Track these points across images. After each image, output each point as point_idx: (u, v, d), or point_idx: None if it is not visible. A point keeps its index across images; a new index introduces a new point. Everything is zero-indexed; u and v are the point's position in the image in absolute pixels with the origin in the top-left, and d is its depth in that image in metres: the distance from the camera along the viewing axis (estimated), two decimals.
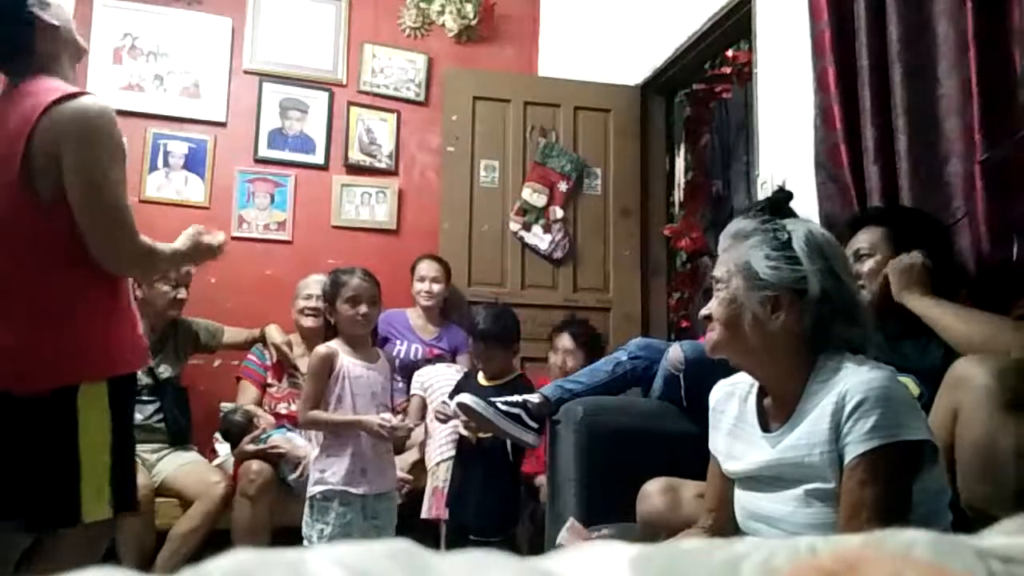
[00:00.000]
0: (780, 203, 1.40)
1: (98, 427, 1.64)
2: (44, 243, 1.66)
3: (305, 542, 2.23)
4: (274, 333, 3.16)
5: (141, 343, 1.81)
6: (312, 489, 2.26)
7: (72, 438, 1.60)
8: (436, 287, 3.41)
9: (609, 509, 1.89)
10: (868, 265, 1.76)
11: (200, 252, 1.91)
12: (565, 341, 2.99)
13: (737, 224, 1.33)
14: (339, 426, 2.26)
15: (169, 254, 1.83)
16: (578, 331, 3.00)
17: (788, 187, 1.93)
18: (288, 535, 2.75)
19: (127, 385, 1.75)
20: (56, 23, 1.76)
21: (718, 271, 1.32)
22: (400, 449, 3.05)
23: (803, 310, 1.25)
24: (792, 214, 1.43)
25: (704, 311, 1.34)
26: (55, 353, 1.64)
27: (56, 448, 1.61)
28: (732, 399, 1.41)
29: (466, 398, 2.29)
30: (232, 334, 3.23)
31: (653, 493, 1.76)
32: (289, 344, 3.15)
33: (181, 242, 1.88)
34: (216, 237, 1.94)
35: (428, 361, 3.25)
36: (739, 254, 1.29)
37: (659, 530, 1.71)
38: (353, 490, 2.23)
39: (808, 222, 1.35)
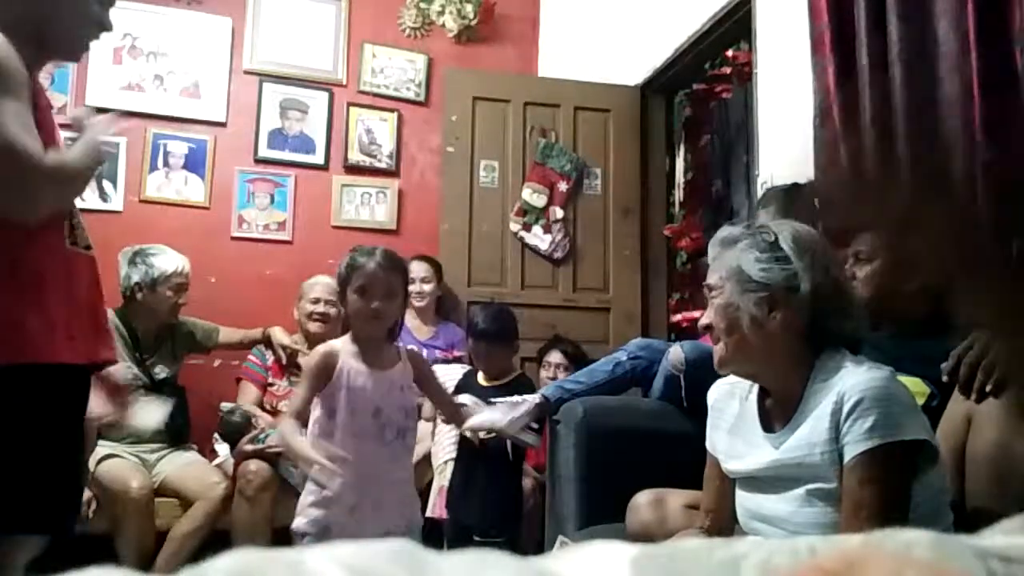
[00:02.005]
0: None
1: None
2: None
3: None
4: (280, 335, 3.15)
5: (62, 330, 1.41)
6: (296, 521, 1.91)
7: None
8: (426, 287, 3.42)
9: (609, 509, 1.89)
10: (865, 270, 1.73)
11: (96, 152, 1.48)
12: (555, 356, 3.14)
13: (723, 231, 1.36)
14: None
15: (74, 164, 1.41)
16: (567, 348, 3.15)
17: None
18: (289, 535, 2.75)
19: (22, 377, 1.36)
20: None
21: (711, 279, 1.34)
22: None
23: (798, 307, 1.26)
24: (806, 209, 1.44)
25: (703, 320, 1.36)
26: None
27: None
28: (732, 398, 1.42)
29: (466, 400, 2.29)
30: (228, 334, 3.23)
31: (642, 506, 1.76)
32: (296, 343, 3.14)
33: (80, 150, 1.44)
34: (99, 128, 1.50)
35: (435, 362, 3.25)
36: (729, 259, 1.31)
37: (647, 542, 1.71)
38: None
39: (791, 222, 1.36)
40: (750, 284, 1.27)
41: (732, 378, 1.44)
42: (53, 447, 1.43)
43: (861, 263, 1.75)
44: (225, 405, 3.11)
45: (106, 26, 1.54)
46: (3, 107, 1.30)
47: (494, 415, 2.23)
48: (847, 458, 1.17)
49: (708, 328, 1.34)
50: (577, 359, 3.07)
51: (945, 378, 1.37)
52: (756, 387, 1.39)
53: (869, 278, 1.73)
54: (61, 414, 1.46)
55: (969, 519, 1.31)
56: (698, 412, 1.92)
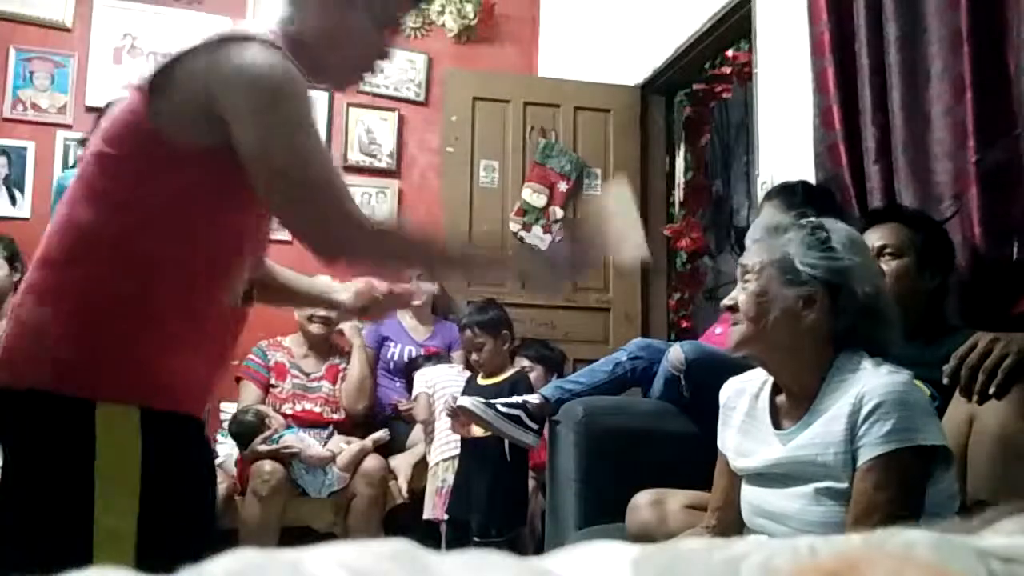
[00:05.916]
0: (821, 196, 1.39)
1: (121, 461, 1.13)
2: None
3: None
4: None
5: (201, 385, 1.30)
6: None
7: (86, 472, 1.10)
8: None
9: (609, 509, 1.89)
10: (895, 265, 1.68)
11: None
12: (522, 362, 3.09)
13: (773, 218, 1.33)
14: None
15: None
16: (531, 352, 3.09)
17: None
18: (295, 535, 2.77)
19: (177, 427, 1.22)
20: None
21: (749, 260, 1.30)
22: (401, 448, 3.06)
23: (838, 308, 1.25)
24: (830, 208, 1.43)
25: (727, 300, 1.33)
26: (73, 347, 1.15)
27: (65, 478, 1.13)
28: (743, 396, 1.41)
29: (465, 401, 2.30)
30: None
31: (641, 506, 1.75)
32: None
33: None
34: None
35: (427, 359, 3.23)
36: (775, 247, 1.28)
37: (647, 543, 1.71)
38: None
39: (839, 222, 1.35)
40: (793, 276, 1.25)
41: (744, 376, 1.43)
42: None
43: (886, 257, 1.68)
44: (226, 405, 3.11)
45: (385, 55, 1.35)
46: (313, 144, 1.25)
47: (475, 399, 2.28)
48: (862, 460, 1.16)
49: (731, 308, 1.31)
50: (545, 360, 3.05)
51: (946, 380, 1.36)
52: (768, 384, 1.38)
53: (898, 274, 1.67)
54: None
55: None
56: (698, 412, 1.92)
